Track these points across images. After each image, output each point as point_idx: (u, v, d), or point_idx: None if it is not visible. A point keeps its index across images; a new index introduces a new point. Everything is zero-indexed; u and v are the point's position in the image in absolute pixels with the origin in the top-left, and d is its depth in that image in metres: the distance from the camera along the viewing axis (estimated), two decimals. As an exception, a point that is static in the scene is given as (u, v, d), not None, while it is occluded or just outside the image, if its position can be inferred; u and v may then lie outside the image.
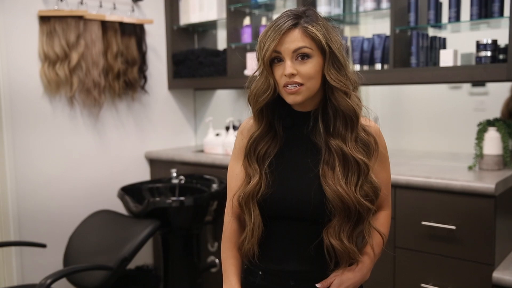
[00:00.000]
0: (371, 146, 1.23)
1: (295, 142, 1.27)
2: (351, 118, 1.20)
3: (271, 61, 1.19)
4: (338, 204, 1.18)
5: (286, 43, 1.16)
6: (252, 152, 1.27)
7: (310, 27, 1.16)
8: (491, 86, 2.72)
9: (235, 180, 1.35)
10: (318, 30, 1.16)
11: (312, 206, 1.21)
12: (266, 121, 1.26)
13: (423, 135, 2.89)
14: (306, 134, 1.26)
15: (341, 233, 1.19)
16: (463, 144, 2.68)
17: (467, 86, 2.84)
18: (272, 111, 1.26)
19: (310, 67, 1.16)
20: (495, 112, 2.49)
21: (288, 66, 1.15)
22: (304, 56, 1.16)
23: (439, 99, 2.90)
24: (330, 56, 1.17)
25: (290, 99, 1.19)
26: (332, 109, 1.21)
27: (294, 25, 1.16)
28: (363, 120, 1.25)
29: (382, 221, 1.36)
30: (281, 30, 1.16)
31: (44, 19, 2.51)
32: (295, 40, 1.16)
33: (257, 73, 1.25)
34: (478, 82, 2.67)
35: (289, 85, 1.17)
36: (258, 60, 1.23)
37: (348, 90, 1.19)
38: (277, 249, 1.28)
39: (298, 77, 1.16)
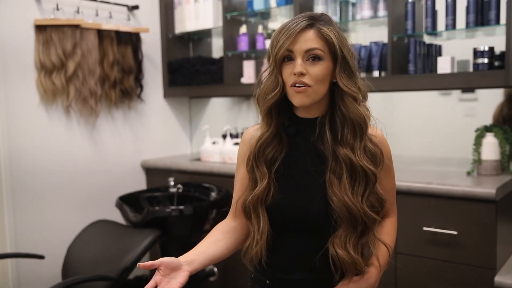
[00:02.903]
0: (378, 156, 1.23)
1: (299, 150, 1.26)
2: (360, 126, 1.19)
3: (282, 60, 1.19)
4: (345, 214, 1.17)
5: (299, 42, 1.16)
6: (260, 153, 1.25)
7: (325, 29, 1.16)
8: (480, 92, 2.77)
9: (238, 186, 1.36)
10: (332, 33, 1.16)
11: (316, 215, 1.21)
12: (274, 124, 1.25)
13: (415, 141, 2.92)
14: (311, 142, 1.25)
15: (347, 243, 1.18)
16: (455, 150, 2.71)
17: (457, 93, 2.88)
18: (277, 116, 1.25)
19: (320, 69, 1.16)
20: (485, 117, 2.52)
21: (298, 65, 1.15)
22: (315, 58, 1.16)
23: (430, 105, 2.94)
24: (342, 62, 1.18)
25: (297, 99, 1.18)
26: (340, 117, 1.21)
27: (309, 26, 1.17)
28: (370, 130, 1.26)
29: (388, 229, 1.36)
30: (296, 29, 1.15)
31: (40, 28, 2.50)
32: (309, 40, 1.15)
33: (266, 73, 1.25)
34: (468, 89, 2.71)
35: (297, 84, 1.16)
36: (269, 59, 1.23)
37: (357, 97, 1.20)
38: (284, 259, 1.27)
39: (307, 78, 1.16)
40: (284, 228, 1.25)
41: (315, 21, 1.17)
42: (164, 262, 1.13)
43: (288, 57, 1.18)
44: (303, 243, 1.24)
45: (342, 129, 1.20)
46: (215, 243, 1.29)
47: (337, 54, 1.17)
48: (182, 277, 1.15)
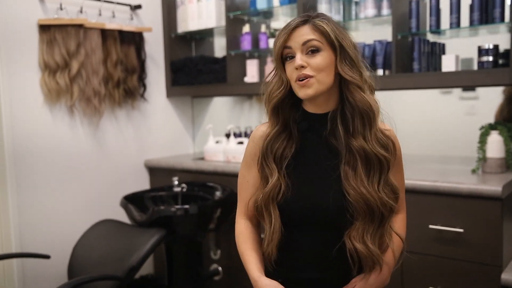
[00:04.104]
0: (390, 147, 1.25)
1: (311, 146, 1.27)
2: (368, 114, 1.21)
3: (284, 59, 1.23)
4: (362, 207, 1.18)
5: (295, 37, 1.20)
6: (269, 151, 1.27)
7: (318, 21, 1.20)
8: (481, 91, 2.77)
9: (246, 187, 1.36)
10: (326, 25, 1.20)
11: (332, 212, 1.21)
12: (281, 121, 1.27)
13: (416, 139, 2.91)
14: (323, 137, 1.26)
15: (365, 236, 1.19)
16: (456, 148, 2.72)
17: (457, 91, 2.88)
18: (287, 113, 1.27)
19: (320, 59, 1.19)
20: (486, 116, 2.52)
21: (298, 59, 1.19)
22: (314, 50, 1.19)
23: (431, 104, 2.93)
24: (341, 52, 1.20)
25: (301, 93, 1.20)
26: (349, 109, 1.23)
27: (304, 22, 1.21)
28: (381, 125, 1.27)
29: (399, 224, 1.38)
30: (291, 26, 1.21)
31: (44, 28, 2.49)
32: (304, 34, 1.20)
33: (272, 75, 1.28)
34: (469, 87, 2.71)
35: (300, 78, 1.19)
36: (274, 61, 1.26)
37: (362, 85, 1.21)
38: (297, 257, 1.28)
39: (309, 70, 1.19)
40: (298, 226, 1.25)
41: (309, 18, 1.22)
42: None
43: (290, 56, 1.22)
44: (317, 240, 1.25)
45: (353, 121, 1.22)
46: (258, 252, 1.32)
47: (334, 44, 1.20)
48: None
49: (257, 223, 1.36)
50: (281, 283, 1.29)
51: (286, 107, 1.26)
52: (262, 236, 1.30)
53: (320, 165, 1.25)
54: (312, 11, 1.26)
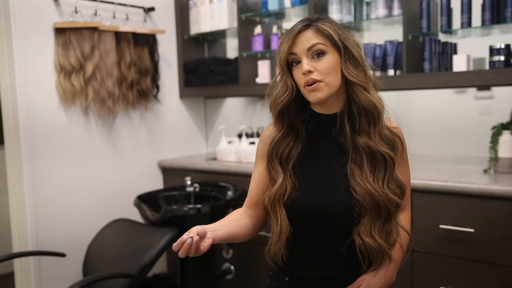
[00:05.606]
0: (396, 144, 1.26)
1: (320, 146, 1.29)
2: (372, 113, 1.22)
3: (290, 65, 1.24)
4: (369, 203, 1.20)
5: (300, 43, 1.21)
6: (274, 154, 1.29)
7: (321, 25, 1.21)
8: (496, 90, 2.75)
9: (252, 182, 1.40)
10: (329, 27, 1.21)
11: (339, 212, 1.23)
12: (287, 124, 1.28)
13: (430, 139, 2.91)
14: (332, 137, 1.27)
15: (372, 230, 1.21)
16: (470, 148, 2.71)
17: (472, 90, 2.86)
18: (295, 115, 1.29)
19: (326, 62, 1.20)
20: (501, 115, 2.51)
21: (305, 64, 1.20)
22: (320, 53, 1.20)
23: (445, 103, 2.93)
24: (345, 52, 1.21)
25: (312, 97, 1.21)
26: (356, 108, 1.24)
27: (306, 26, 1.22)
28: (387, 122, 1.28)
29: (403, 222, 1.38)
30: (294, 32, 1.22)
31: (60, 31, 2.54)
32: (308, 39, 1.21)
33: (277, 79, 1.29)
34: (484, 87, 2.69)
35: (308, 83, 1.20)
36: (278, 66, 1.27)
37: (366, 85, 1.22)
38: (304, 256, 1.29)
39: (316, 74, 1.20)
40: (305, 225, 1.27)
41: (312, 22, 1.23)
42: (192, 232, 1.13)
43: (296, 61, 1.23)
44: (325, 239, 1.26)
45: (359, 119, 1.24)
46: (235, 222, 1.31)
47: (339, 46, 1.21)
48: (207, 242, 1.15)
49: (257, 217, 1.37)
50: (288, 282, 1.31)
51: (293, 110, 1.28)
52: (269, 235, 1.32)
53: (329, 164, 1.26)
54: (314, 14, 1.27)
